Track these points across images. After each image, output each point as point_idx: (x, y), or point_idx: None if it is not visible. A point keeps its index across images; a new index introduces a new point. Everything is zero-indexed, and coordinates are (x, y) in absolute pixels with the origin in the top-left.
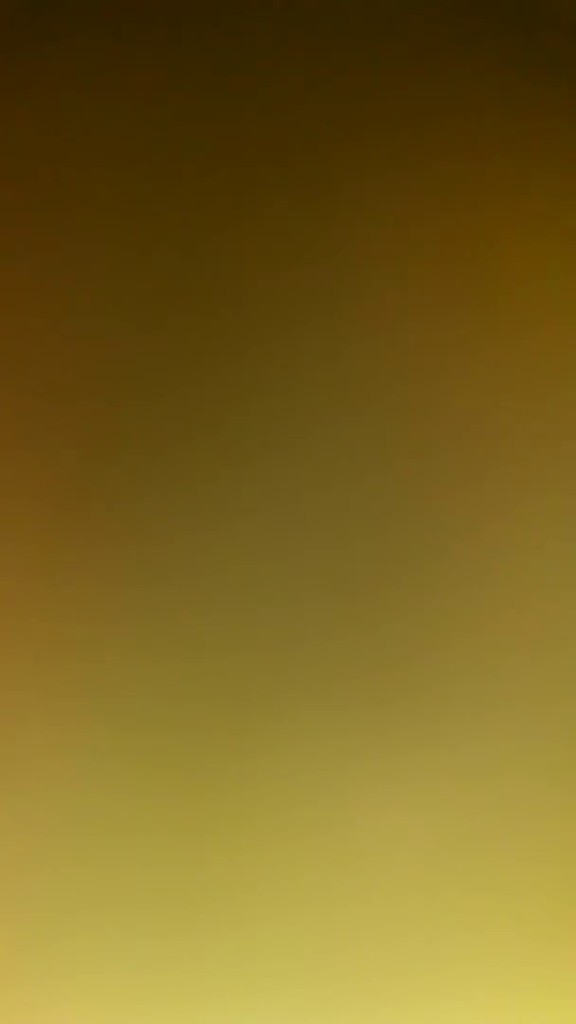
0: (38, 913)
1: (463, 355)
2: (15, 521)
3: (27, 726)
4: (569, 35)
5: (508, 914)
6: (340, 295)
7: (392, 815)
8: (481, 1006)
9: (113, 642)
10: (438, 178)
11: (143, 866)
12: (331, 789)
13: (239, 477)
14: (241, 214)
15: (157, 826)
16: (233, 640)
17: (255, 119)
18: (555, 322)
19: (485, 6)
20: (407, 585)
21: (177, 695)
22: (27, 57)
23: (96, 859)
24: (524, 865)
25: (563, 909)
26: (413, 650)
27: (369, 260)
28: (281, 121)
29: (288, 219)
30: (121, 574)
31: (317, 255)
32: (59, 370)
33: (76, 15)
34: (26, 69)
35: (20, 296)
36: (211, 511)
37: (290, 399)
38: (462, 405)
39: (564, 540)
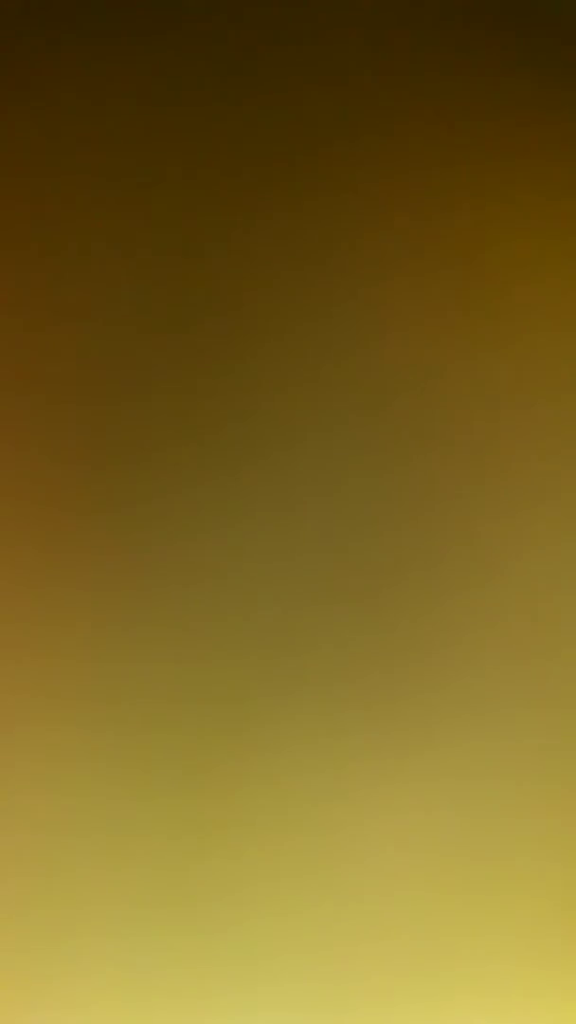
0: (38, 913)
1: (462, 358)
2: (15, 525)
3: (27, 728)
4: (569, 35)
5: (508, 914)
6: (338, 297)
7: (392, 815)
8: (481, 1006)
9: (113, 644)
10: (437, 180)
11: (143, 866)
12: (331, 789)
13: (238, 480)
14: (240, 217)
15: (157, 826)
16: (233, 641)
17: (254, 122)
18: (554, 324)
19: (484, 9)
20: (406, 587)
21: (177, 696)
22: (27, 59)
23: (96, 859)
24: (523, 865)
25: (563, 909)
26: (413, 651)
27: (367, 262)
28: (280, 124)
29: (287, 221)
30: (121, 577)
31: (315, 257)
32: (59, 374)
33: (77, 17)
34: (26, 72)
35: (21, 298)
36: (211, 514)
37: (289, 402)
38: (461, 407)
39: (563, 542)
